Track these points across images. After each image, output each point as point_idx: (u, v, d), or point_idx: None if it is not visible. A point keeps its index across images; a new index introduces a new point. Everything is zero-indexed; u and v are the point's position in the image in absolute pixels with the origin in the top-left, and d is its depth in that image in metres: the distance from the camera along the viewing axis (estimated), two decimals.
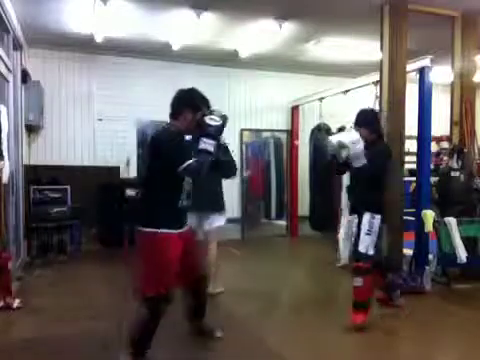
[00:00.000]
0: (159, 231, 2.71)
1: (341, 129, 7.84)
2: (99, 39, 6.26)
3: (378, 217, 3.57)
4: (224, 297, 4.38)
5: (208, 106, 2.99)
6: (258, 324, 3.68)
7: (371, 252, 3.54)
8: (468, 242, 4.74)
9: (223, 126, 2.76)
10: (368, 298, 3.59)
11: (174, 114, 2.96)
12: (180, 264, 2.77)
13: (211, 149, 2.60)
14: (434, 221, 4.69)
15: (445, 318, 3.91)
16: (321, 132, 7.08)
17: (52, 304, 4.13)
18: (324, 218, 7.12)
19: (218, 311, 3.94)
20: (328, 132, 7.01)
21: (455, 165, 5.19)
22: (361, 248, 3.56)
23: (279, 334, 3.51)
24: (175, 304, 2.82)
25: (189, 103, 2.97)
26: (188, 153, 2.65)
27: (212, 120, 2.69)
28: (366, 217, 3.56)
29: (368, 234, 3.54)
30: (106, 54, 7.15)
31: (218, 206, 4.38)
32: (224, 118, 2.78)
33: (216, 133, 2.68)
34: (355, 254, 3.68)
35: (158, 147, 2.79)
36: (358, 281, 3.52)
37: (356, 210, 3.74)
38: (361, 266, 3.54)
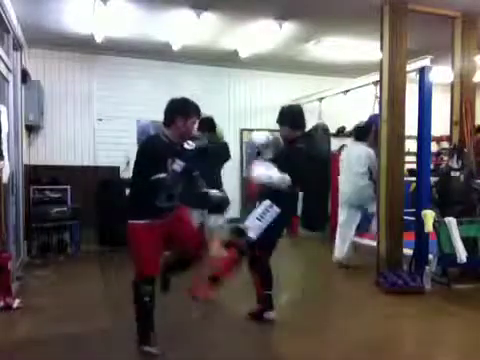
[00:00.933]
0: (130, 222, 3.09)
1: (340, 131, 7.86)
2: (99, 39, 6.26)
3: (275, 208, 3.43)
4: (224, 297, 4.38)
5: (198, 115, 3.21)
6: (259, 324, 3.68)
7: (252, 235, 3.40)
8: (468, 242, 4.74)
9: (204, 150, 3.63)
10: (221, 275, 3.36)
11: (166, 123, 3.11)
12: (175, 244, 3.25)
13: (179, 169, 2.93)
14: (434, 221, 4.69)
15: (445, 318, 3.91)
16: (318, 132, 7.06)
17: (52, 304, 4.13)
18: (316, 218, 7.09)
19: (218, 311, 3.96)
20: (326, 132, 7.01)
21: (455, 165, 5.19)
22: (246, 224, 3.44)
23: (279, 334, 3.52)
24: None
25: (180, 110, 3.09)
26: (165, 163, 2.95)
27: (188, 145, 3.09)
28: (264, 203, 3.46)
29: (259, 220, 3.43)
30: (106, 54, 7.16)
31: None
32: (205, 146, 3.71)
33: (189, 156, 3.06)
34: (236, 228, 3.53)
35: (140, 152, 3.09)
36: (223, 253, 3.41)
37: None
38: (234, 242, 3.42)
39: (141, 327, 3.09)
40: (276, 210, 3.45)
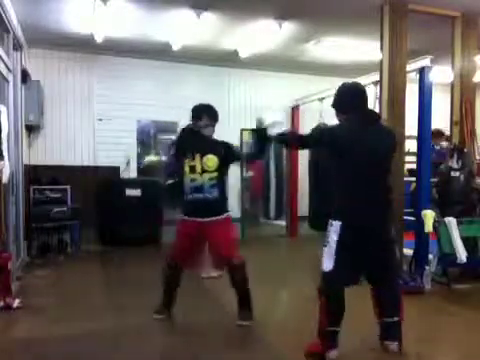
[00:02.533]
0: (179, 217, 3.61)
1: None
2: (99, 39, 6.27)
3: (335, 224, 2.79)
4: (224, 297, 4.39)
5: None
6: (258, 323, 3.68)
7: (326, 267, 2.80)
8: (468, 242, 4.74)
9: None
10: (322, 329, 2.84)
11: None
12: (210, 250, 3.58)
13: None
14: (434, 221, 4.69)
15: (445, 318, 3.91)
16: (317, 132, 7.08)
17: (52, 304, 4.12)
18: (323, 217, 7.11)
19: (217, 310, 3.96)
20: None
21: (455, 165, 5.19)
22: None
23: (278, 333, 3.51)
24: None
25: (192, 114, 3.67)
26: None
27: None
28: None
29: (324, 245, 2.85)
30: (106, 54, 7.16)
31: None
32: None
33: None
34: None
35: None
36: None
37: None
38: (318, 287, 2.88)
39: (161, 299, 3.69)
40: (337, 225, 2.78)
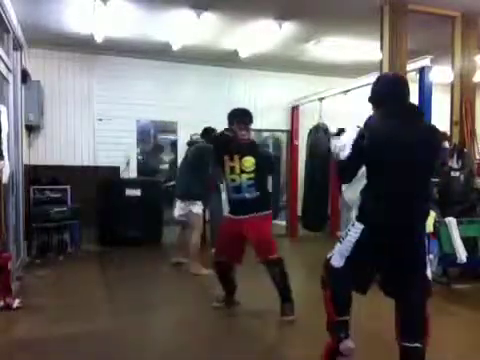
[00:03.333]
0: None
1: (342, 130, 7.85)
2: (99, 39, 6.27)
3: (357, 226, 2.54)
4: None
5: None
6: (261, 323, 3.69)
7: (335, 263, 2.62)
8: (468, 242, 4.74)
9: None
10: (331, 320, 2.66)
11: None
12: (253, 245, 3.70)
13: None
14: (434, 221, 4.69)
15: (445, 318, 3.90)
16: (318, 132, 7.09)
17: (52, 304, 4.12)
18: (317, 218, 7.13)
19: (217, 310, 3.96)
20: (326, 132, 7.02)
21: (455, 165, 5.19)
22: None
23: (278, 333, 3.52)
24: None
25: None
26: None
27: None
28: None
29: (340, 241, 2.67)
30: (106, 54, 7.16)
31: (191, 195, 5.26)
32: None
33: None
34: None
35: None
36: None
37: None
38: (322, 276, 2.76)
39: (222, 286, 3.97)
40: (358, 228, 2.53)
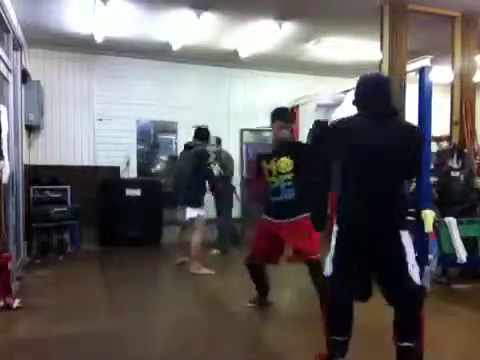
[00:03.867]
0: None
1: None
2: (99, 39, 6.27)
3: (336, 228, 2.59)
4: (224, 297, 4.39)
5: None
6: (261, 323, 3.69)
7: (327, 272, 2.61)
8: (468, 242, 4.74)
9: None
10: (326, 336, 2.64)
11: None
12: (291, 247, 3.63)
13: None
14: (434, 221, 4.69)
15: (445, 318, 3.90)
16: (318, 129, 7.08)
17: (52, 304, 4.12)
18: (318, 217, 7.10)
19: (217, 310, 3.96)
20: None
21: (455, 165, 5.19)
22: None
23: (279, 333, 3.51)
24: None
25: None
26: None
27: None
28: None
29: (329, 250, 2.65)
30: (106, 54, 7.16)
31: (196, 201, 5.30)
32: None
33: None
34: None
35: None
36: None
37: None
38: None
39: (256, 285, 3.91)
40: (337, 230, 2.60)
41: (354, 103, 2.63)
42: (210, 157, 5.69)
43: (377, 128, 2.46)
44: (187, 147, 5.58)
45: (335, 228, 2.57)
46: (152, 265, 5.91)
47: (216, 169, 5.65)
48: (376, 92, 2.54)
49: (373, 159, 2.43)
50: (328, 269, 2.58)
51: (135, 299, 4.34)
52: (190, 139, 5.68)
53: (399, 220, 2.53)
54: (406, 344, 2.44)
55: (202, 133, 5.57)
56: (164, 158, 8.22)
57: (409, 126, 2.66)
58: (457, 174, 5.16)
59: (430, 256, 4.89)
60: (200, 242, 5.31)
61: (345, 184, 2.56)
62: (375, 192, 2.46)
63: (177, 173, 5.69)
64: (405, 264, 2.44)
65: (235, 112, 7.97)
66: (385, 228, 2.48)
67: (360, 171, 2.48)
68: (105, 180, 6.98)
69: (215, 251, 6.46)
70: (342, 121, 2.60)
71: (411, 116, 4.99)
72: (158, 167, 7.87)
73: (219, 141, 6.69)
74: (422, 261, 4.78)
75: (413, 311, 2.47)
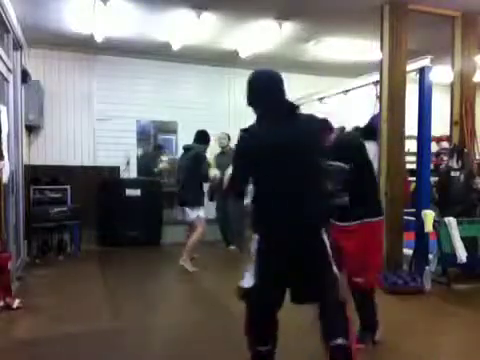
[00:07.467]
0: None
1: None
2: (99, 39, 6.27)
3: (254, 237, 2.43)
4: (224, 297, 4.39)
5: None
6: None
7: (245, 283, 2.43)
8: (468, 242, 4.74)
9: None
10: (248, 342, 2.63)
11: None
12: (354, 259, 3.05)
13: None
14: (434, 221, 4.69)
15: (445, 318, 3.91)
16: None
17: (52, 304, 4.13)
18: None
19: (217, 310, 3.96)
20: None
21: (455, 165, 5.19)
22: None
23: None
24: None
25: None
26: None
27: None
28: None
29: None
30: (106, 54, 7.16)
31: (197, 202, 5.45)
32: None
33: None
34: None
35: None
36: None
37: None
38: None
39: None
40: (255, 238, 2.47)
41: (249, 104, 2.53)
42: (208, 159, 5.80)
43: (278, 127, 2.35)
44: (186, 149, 5.75)
45: (255, 237, 2.41)
46: (152, 265, 5.92)
47: (213, 172, 5.61)
48: (277, 88, 2.44)
49: (277, 159, 2.30)
50: (247, 281, 2.40)
51: (135, 299, 4.34)
52: (190, 139, 5.82)
53: (318, 218, 2.40)
54: (339, 342, 2.31)
55: (200, 136, 5.72)
56: (165, 158, 8.22)
57: (308, 117, 2.52)
58: (457, 174, 5.16)
59: (430, 256, 4.90)
60: (197, 242, 5.46)
61: (256, 190, 2.41)
62: (287, 192, 2.31)
63: (178, 174, 5.87)
64: (329, 263, 2.36)
65: (235, 112, 7.96)
66: (302, 228, 2.33)
67: (269, 174, 2.34)
68: (105, 180, 6.98)
69: (233, 248, 6.69)
70: (248, 128, 2.50)
71: (411, 116, 5.00)
72: (160, 166, 7.85)
73: (228, 138, 6.84)
74: (422, 261, 4.81)
75: (342, 310, 2.38)
